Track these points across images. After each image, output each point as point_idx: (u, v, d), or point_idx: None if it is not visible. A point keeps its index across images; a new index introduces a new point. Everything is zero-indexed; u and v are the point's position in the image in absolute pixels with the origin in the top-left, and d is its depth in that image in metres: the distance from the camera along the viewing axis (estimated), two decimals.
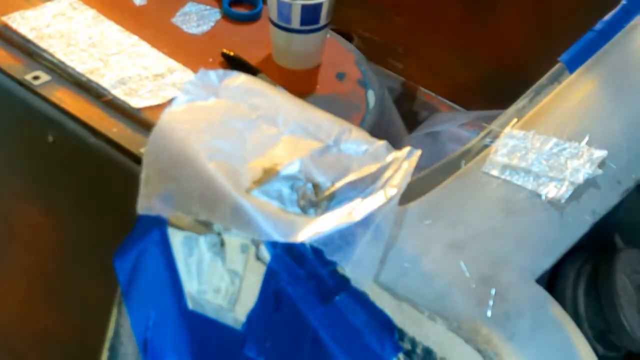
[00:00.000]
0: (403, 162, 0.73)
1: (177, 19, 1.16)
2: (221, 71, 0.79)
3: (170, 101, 0.89)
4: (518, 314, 0.67)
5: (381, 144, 0.75)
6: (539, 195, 0.75)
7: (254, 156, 0.74)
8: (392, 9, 1.43)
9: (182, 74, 1.05)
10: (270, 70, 1.11)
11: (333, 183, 0.72)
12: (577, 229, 0.73)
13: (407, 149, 0.75)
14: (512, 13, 1.33)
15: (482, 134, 0.84)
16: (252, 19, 1.17)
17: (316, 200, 0.72)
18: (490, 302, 0.67)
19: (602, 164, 0.75)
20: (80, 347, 1.05)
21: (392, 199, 0.70)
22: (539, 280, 0.70)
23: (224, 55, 1.11)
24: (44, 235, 1.08)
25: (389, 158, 0.74)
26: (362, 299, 0.69)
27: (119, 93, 1.01)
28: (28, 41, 1.07)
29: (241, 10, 1.19)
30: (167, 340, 0.79)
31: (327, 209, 0.71)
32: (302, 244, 0.69)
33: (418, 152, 0.74)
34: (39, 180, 1.06)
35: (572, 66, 0.87)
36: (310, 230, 0.68)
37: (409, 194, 0.75)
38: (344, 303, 0.69)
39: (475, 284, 0.68)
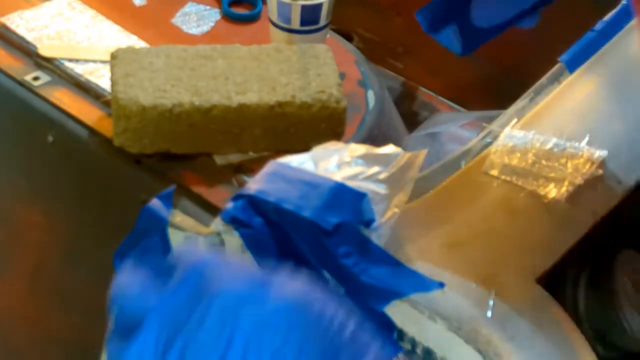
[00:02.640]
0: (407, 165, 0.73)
1: (177, 19, 1.16)
2: None
3: None
4: (518, 314, 0.67)
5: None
6: (539, 195, 0.75)
7: None
8: (392, 9, 1.43)
9: None
10: None
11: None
12: (577, 229, 0.73)
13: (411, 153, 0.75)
14: None
15: (482, 134, 0.84)
16: (252, 19, 1.17)
17: None
18: (490, 302, 0.67)
19: (602, 164, 0.75)
20: (81, 347, 1.05)
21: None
22: (539, 280, 0.70)
23: None
24: (44, 235, 1.08)
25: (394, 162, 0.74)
26: (361, 299, 0.69)
27: None
28: (27, 42, 1.07)
29: (241, 11, 1.19)
30: None
31: None
32: None
33: (423, 152, 0.74)
34: (39, 180, 1.06)
35: (572, 66, 0.87)
36: None
37: (409, 194, 0.75)
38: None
39: (475, 284, 0.68)
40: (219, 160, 0.96)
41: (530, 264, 0.70)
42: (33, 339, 1.16)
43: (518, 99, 0.88)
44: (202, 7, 1.18)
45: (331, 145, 0.75)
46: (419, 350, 0.68)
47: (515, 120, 0.83)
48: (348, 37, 1.32)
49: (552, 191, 0.76)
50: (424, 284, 0.66)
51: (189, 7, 1.18)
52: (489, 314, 0.66)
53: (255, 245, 0.71)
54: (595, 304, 0.75)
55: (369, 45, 1.45)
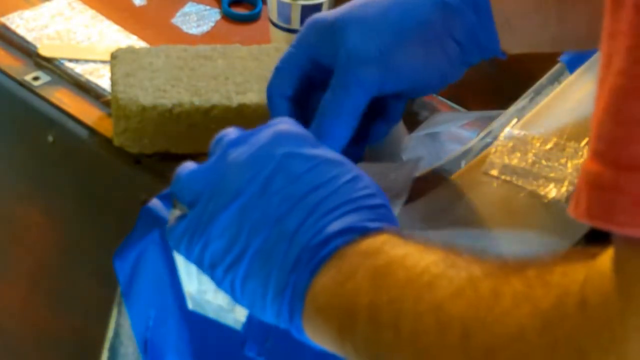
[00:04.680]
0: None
1: (177, 19, 1.16)
2: None
3: None
4: None
5: None
6: (539, 195, 0.76)
7: None
8: None
9: None
10: None
11: None
12: (577, 229, 0.73)
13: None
14: None
15: (482, 134, 0.85)
16: (252, 19, 1.17)
17: None
18: None
19: None
20: (80, 347, 1.05)
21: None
22: None
23: None
24: (44, 235, 1.08)
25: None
26: None
27: None
28: (27, 42, 1.07)
29: (241, 11, 1.19)
30: (167, 341, 0.79)
31: None
32: None
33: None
34: (39, 180, 1.06)
35: (572, 66, 0.87)
36: None
37: (409, 194, 0.75)
38: None
39: None
40: None
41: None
42: (33, 339, 1.16)
43: (518, 99, 0.88)
44: (202, 7, 1.18)
45: None
46: None
47: (515, 120, 0.83)
48: None
49: (552, 191, 0.76)
50: None
51: (189, 7, 1.18)
52: None
53: None
54: None
55: None
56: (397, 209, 0.73)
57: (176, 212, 0.69)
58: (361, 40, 0.75)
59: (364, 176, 0.63)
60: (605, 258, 0.48)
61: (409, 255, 0.57)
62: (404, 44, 0.75)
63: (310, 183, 0.62)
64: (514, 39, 0.78)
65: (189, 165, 0.68)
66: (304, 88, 0.78)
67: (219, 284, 0.65)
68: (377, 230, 0.60)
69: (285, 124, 0.66)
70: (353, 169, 0.63)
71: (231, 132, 0.68)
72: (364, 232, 0.60)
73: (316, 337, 0.61)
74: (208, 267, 0.65)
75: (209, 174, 0.66)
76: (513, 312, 0.50)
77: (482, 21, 0.76)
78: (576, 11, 0.76)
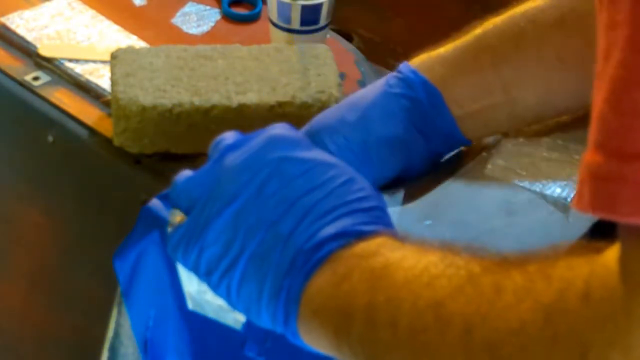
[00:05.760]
0: None
1: (177, 19, 1.16)
2: None
3: None
4: None
5: None
6: (540, 196, 0.75)
7: None
8: (392, 9, 1.43)
9: None
10: None
11: None
12: (577, 229, 0.73)
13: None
14: None
15: None
16: (252, 19, 1.18)
17: None
18: None
19: None
20: (80, 347, 1.05)
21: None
22: None
23: None
24: (44, 235, 1.08)
25: None
26: None
27: None
28: (27, 42, 1.07)
29: (241, 11, 1.19)
30: (167, 341, 0.79)
31: None
32: None
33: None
34: (38, 180, 1.06)
35: None
36: None
37: (409, 194, 0.75)
38: None
39: None
40: None
41: None
42: (33, 339, 1.16)
43: None
44: (202, 7, 1.18)
45: None
46: None
47: None
48: (348, 37, 1.32)
49: (552, 191, 0.76)
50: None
51: (189, 7, 1.18)
52: None
53: None
54: None
55: (369, 45, 1.45)
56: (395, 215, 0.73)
57: (176, 212, 0.69)
58: (328, 143, 0.77)
59: (359, 178, 0.63)
60: (611, 253, 0.48)
61: (406, 258, 0.57)
62: (368, 140, 0.78)
63: (304, 186, 0.62)
64: (473, 124, 0.80)
65: (186, 173, 0.68)
66: None
67: (215, 289, 0.65)
68: (372, 233, 0.60)
69: (280, 129, 0.66)
70: (348, 172, 0.63)
71: (229, 137, 0.68)
72: (358, 235, 0.60)
73: (312, 340, 0.61)
74: (204, 274, 0.65)
75: (205, 179, 0.66)
76: (514, 306, 0.50)
77: (438, 109, 0.79)
78: (523, 88, 0.79)
